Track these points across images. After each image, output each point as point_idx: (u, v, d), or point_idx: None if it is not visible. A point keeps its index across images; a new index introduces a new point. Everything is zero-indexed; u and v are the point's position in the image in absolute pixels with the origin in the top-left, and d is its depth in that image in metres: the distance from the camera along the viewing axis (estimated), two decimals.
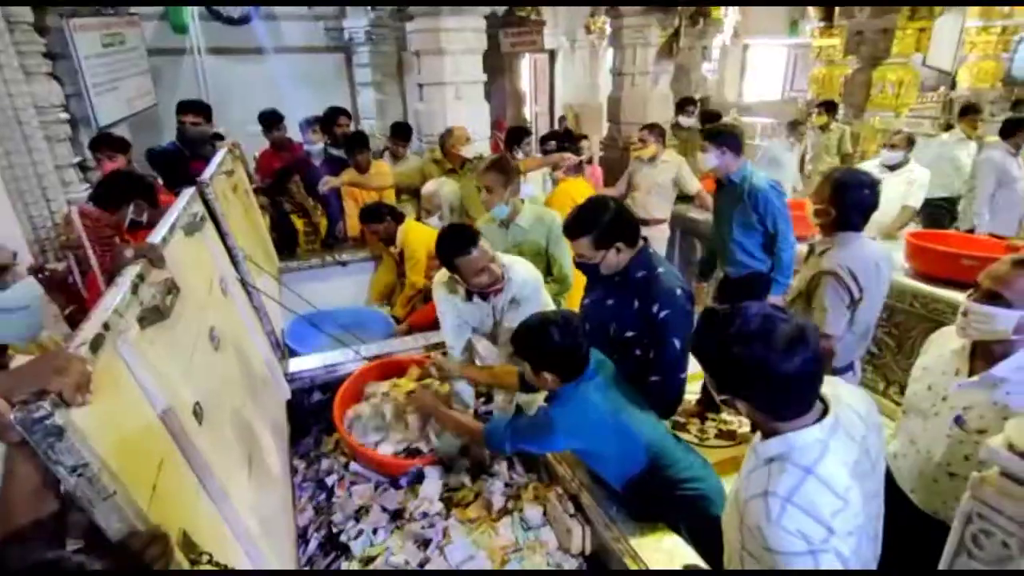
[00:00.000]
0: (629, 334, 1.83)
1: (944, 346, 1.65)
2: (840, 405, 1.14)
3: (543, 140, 4.42)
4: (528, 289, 2.06)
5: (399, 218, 3.36)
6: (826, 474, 1.04)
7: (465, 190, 3.68)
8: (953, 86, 8.75)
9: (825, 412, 1.12)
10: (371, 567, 1.66)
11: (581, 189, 3.63)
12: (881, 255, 2.12)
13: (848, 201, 2.04)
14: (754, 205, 2.77)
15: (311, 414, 2.46)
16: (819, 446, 1.07)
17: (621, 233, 1.77)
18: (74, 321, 2.16)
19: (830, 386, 1.18)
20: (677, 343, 1.75)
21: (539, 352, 1.58)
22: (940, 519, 1.60)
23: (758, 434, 1.17)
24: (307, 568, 1.70)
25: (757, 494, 1.06)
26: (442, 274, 2.12)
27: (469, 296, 2.06)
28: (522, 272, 2.08)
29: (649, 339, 1.80)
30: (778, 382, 1.04)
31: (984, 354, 1.51)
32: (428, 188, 3.67)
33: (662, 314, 1.74)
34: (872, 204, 2.05)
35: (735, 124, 4.41)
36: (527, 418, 1.79)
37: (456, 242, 1.91)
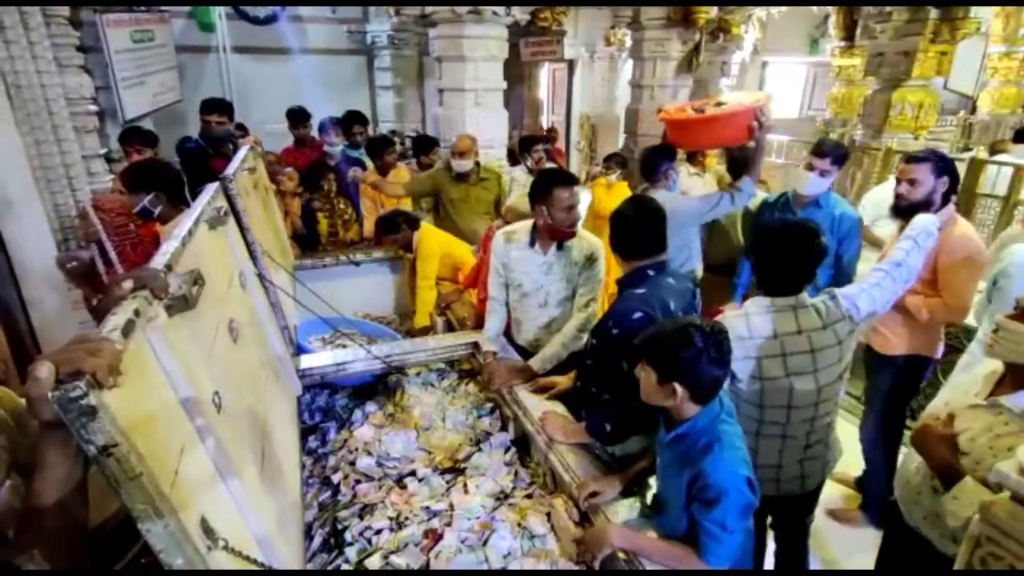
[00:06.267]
0: (593, 341, 1.86)
1: (979, 368, 1.65)
2: (812, 313, 1.79)
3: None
4: (598, 249, 2.27)
5: (414, 224, 3.39)
6: (752, 315, 1.81)
7: (466, 198, 3.77)
8: (973, 110, 8.70)
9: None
10: (374, 567, 1.67)
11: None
12: None
13: None
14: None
15: (320, 411, 2.49)
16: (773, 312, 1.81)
17: (619, 240, 1.85)
18: (97, 310, 2.21)
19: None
20: (626, 365, 1.69)
21: (675, 359, 1.35)
22: (921, 535, 1.60)
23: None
24: (311, 566, 1.71)
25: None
26: (505, 229, 2.41)
27: (532, 243, 2.27)
28: (591, 235, 2.34)
29: (604, 353, 1.80)
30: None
31: (1015, 381, 1.47)
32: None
33: (614, 331, 1.74)
34: None
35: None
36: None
37: (561, 175, 2.18)
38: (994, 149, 5.38)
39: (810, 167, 2.75)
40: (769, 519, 2.17)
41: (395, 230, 3.32)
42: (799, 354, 1.77)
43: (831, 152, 2.72)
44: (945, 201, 2.31)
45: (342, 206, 4.01)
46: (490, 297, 2.47)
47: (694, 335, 1.33)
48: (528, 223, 2.34)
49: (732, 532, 1.35)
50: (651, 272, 1.82)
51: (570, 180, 2.15)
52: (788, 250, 1.79)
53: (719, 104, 2.67)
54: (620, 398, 1.78)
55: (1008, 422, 1.41)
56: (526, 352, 2.48)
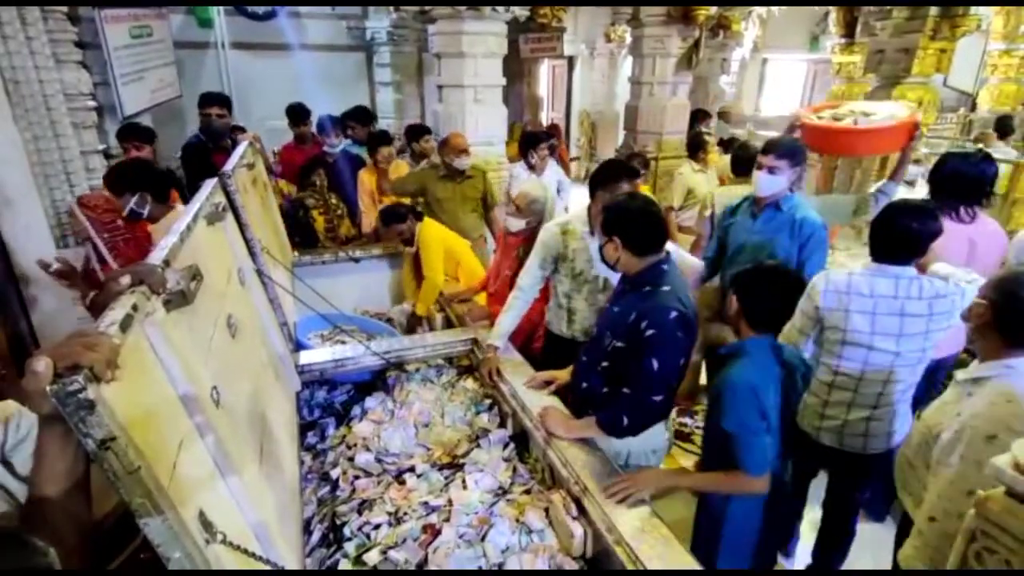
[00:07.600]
0: (619, 344, 1.85)
1: None
2: (914, 284, 1.92)
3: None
4: None
5: (420, 217, 3.39)
6: (855, 274, 2.00)
7: (453, 197, 3.75)
8: (973, 108, 8.69)
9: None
10: (371, 563, 1.67)
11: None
12: None
13: None
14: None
15: (319, 407, 2.49)
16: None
17: (624, 232, 1.83)
18: (95, 306, 2.20)
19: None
20: (655, 363, 1.73)
21: (744, 284, 1.74)
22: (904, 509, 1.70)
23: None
24: (310, 561, 1.72)
25: None
26: (557, 221, 2.43)
27: (592, 232, 2.32)
28: None
29: (633, 353, 1.80)
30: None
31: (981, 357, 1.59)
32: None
33: (648, 332, 1.74)
34: None
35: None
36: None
37: (625, 168, 2.34)
38: (976, 141, 5.48)
39: (759, 166, 2.59)
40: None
41: (401, 219, 3.31)
42: (888, 315, 1.92)
43: (779, 148, 2.55)
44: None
45: (334, 201, 4.01)
46: (519, 289, 2.41)
47: (765, 275, 1.71)
48: (578, 214, 2.37)
49: (756, 433, 1.57)
50: (665, 267, 1.84)
51: (634, 173, 2.34)
52: (900, 224, 1.93)
53: (866, 114, 2.80)
54: (640, 395, 1.80)
55: (959, 391, 1.55)
56: (576, 345, 2.43)
